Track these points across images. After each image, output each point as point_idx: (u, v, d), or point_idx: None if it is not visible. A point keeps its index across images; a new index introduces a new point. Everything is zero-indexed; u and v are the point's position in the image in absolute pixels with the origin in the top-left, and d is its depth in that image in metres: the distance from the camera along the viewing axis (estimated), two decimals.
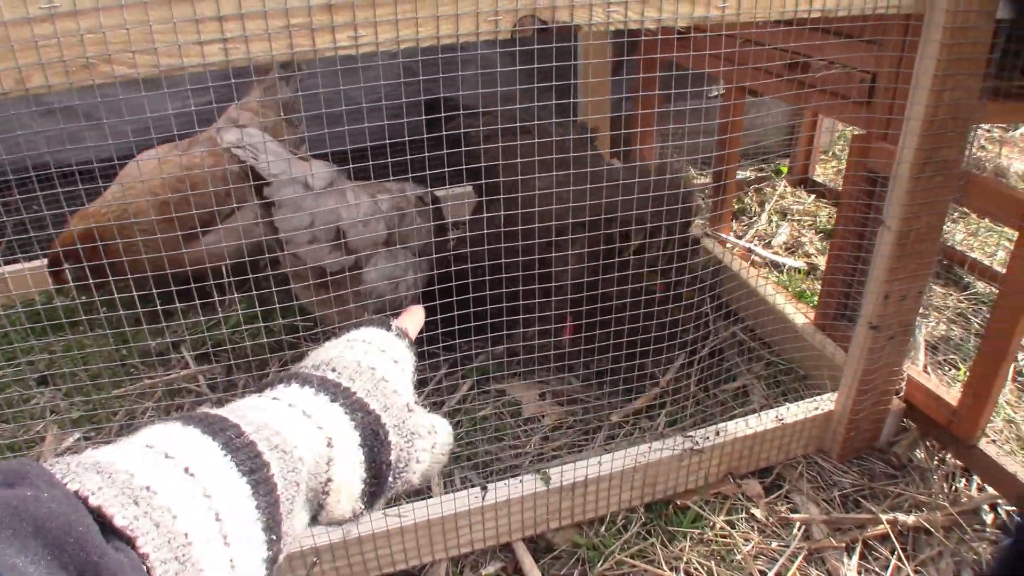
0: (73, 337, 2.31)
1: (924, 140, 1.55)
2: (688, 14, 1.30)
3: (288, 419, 0.62)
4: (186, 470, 0.52)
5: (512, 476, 1.74)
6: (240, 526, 0.53)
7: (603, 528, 1.79)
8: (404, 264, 2.07)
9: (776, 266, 2.82)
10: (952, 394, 1.96)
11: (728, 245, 2.83)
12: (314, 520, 0.66)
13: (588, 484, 1.72)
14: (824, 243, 3.01)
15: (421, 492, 1.84)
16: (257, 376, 2.21)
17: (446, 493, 1.68)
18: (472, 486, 1.73)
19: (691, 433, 1.85)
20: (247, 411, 0.61)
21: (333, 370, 0.70)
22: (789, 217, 3.22)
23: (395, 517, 1.61)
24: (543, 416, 2.08)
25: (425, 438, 0.73)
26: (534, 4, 1.18)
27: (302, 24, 1.08)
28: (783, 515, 1.83)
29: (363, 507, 0.67)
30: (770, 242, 3.01)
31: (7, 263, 2.60)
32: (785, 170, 3.59)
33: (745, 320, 2.46)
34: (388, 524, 1.60)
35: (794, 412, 1.94)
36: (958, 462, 1.99)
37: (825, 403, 1.97)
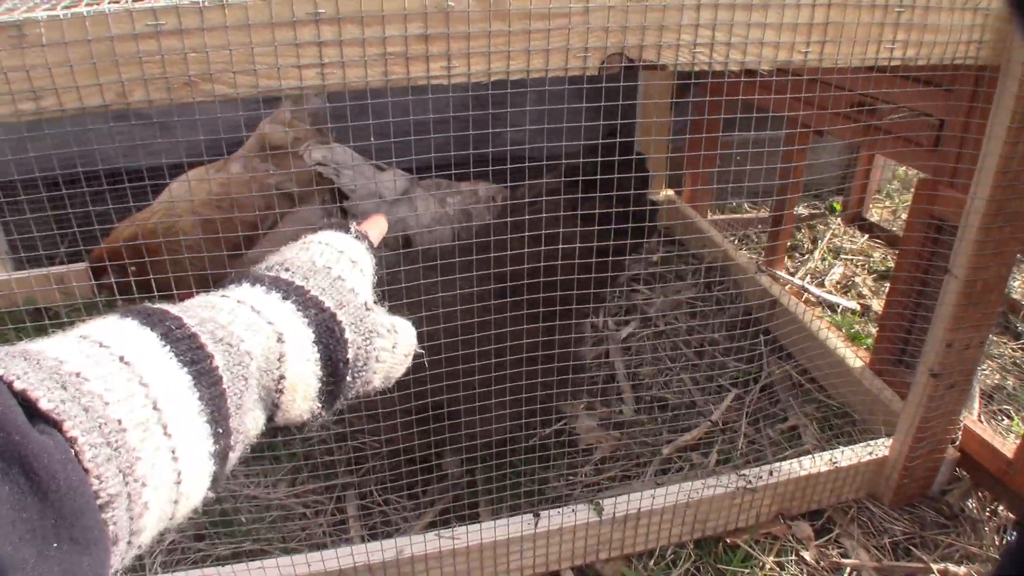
0: None
1: (996, 191, 1.54)
2: (772, 58, 1.31)
3: (236, 314, 0.60)
4: (121, 358, 0.50)
5: (563, 504, 1.74)
6: (181, 416, 0.51)
7: (652, 562, 1.78)
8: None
9: (830, 306, 2.80)
10: (1007, 445, 1.93)
11: (781, 282, 2.81)
12: (271, 420, 0.64)
13: (640, 517, 1.72)
14: (878, 284, 2.99)
15: (473, 516, 1.85)
16: None
17: (497, 519, 1.69)
18: (523, 512, 1.74)
19: (744, 471, 1.84)
20: (192, 307, 0.60)
21: (287, 270, 0.69)
22: (842, 256, 3.20)
23: (448, 539, 1.61)
24: (596, 445, 2.08)
25: (385, 337, 0.72)
26: (623, 43, 1.19)
27: (398, 53, 1.10)
28: (834, 559, 1.81)
29: (320, 407, 0.66)
30: (823, 281, 2.99)
31: (72, 262, 2.67)
32: (839, 208, 3.57)
33: (797, 359, 2.44)
34: (441, 545, 1.61)
35: (848, 456, 1.92)
36: (1011, 515, 1.96)
37: (879, 448, 1.95)
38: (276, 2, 1.04)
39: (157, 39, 1.03)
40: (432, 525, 1.84)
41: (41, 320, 2.58)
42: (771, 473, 1.84)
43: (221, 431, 0.54)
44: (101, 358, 0.49)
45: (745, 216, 3.44)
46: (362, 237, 0.78)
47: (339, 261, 0.72)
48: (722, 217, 3.41)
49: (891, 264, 3.11)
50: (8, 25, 1.01)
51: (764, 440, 2.13)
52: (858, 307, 2.80)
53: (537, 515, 1.68)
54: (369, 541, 1.67)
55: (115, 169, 2.77)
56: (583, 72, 1.19)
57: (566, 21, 1.15)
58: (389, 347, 0.72)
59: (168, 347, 0.53)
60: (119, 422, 0.46)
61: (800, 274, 3.00)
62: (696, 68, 1.27)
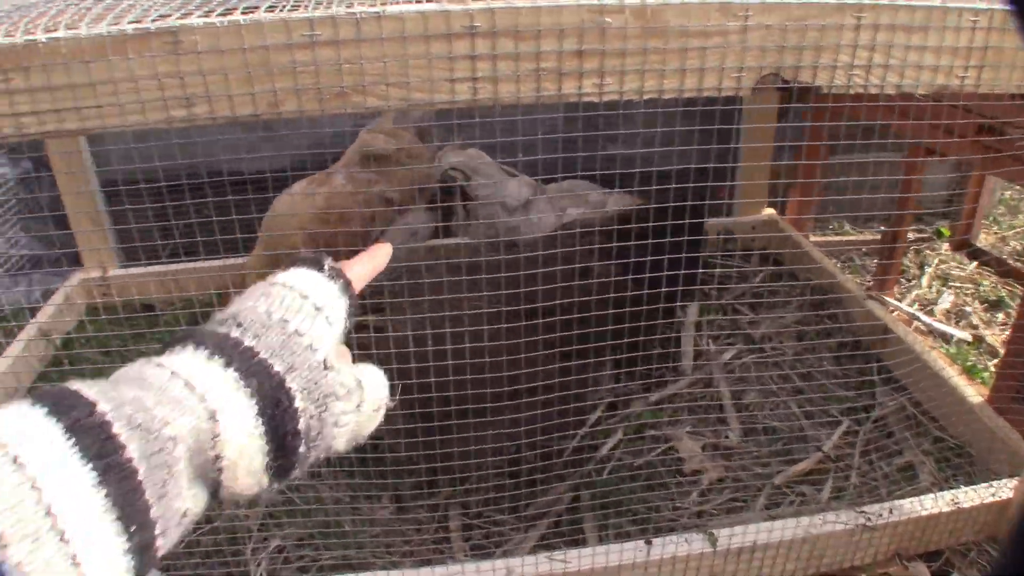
0: None
1: None
2: (929, 81, 1.25)
3: (165, 391, 0.56)
4: (15, 459, 0.46)
5: (673, 532, 1.69)
6: (81, 519, 0.47)
7: None
8: None
9: (942, 336, 2.69)
10: None
11: (890, 309, 2.71)
12: (215, 496, 0.59)
13: (755, 550, 1.66)
14: (990, 315, 2.86)
15: (578, 540, 1.81)
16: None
17: (609, 544, 1.65)
18: (629, 538, 1.70)
19: (863, 508, 1.77)
20: (118, 383, 0.56)
21: (239, 325, 0.63)
22: (951, 284, 3.08)
23: (560, 562, 1.58)
24: (703, 471, 2.02)
25: (347, 398, 0.66)
26: (779, 63, 1.15)
27: (551, 68, 1.07)
28: None
29: (270, 481, 0.61)
30: (932, 309, 2.88)
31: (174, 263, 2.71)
32: (947, 233, 3.44)
33: (911, 390, 2.35)
34: (552, 568, 1.58)
35: (971, 496, 1.83)
36: None
37: (1003, 490, 1.86)
38: (433, 14, 1.02)
39: (312, 49, 1.02)
40: (537, 544, 1.81)
41: (151, 311, 2.64)
42: (891, 511, 1.77)
43: (135, 527, 0.51)
44: None
45: (851, 238, 3.33)
46: (336, 276, 0.72)
47: (300, 310, 0.66)
48: (827, 239, 3.31)
49: (1002, 293, 2.98)
50: (164, 31, 1.01)
51: (878, 475, 2.04)
52: (970, 338, 2.68)
53: (649, 542, 1.64)
54: (473, 559, 1.65)
55: (224, 167, 2.83)
56: (736, 92, 1.15)
57: (723, 40, 1.11)
58: (352, 408, 0.67)
59: (72, 440, 0.49)
60: (1, 536, 0.43)
61: (907, 301, 2.90)
62: (851, 90, 1.22)
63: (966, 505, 1.81)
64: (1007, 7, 1.19)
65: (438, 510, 1.91)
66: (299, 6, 1.07)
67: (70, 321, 2.62)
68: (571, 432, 1.81)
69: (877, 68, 1.21)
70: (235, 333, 0.62)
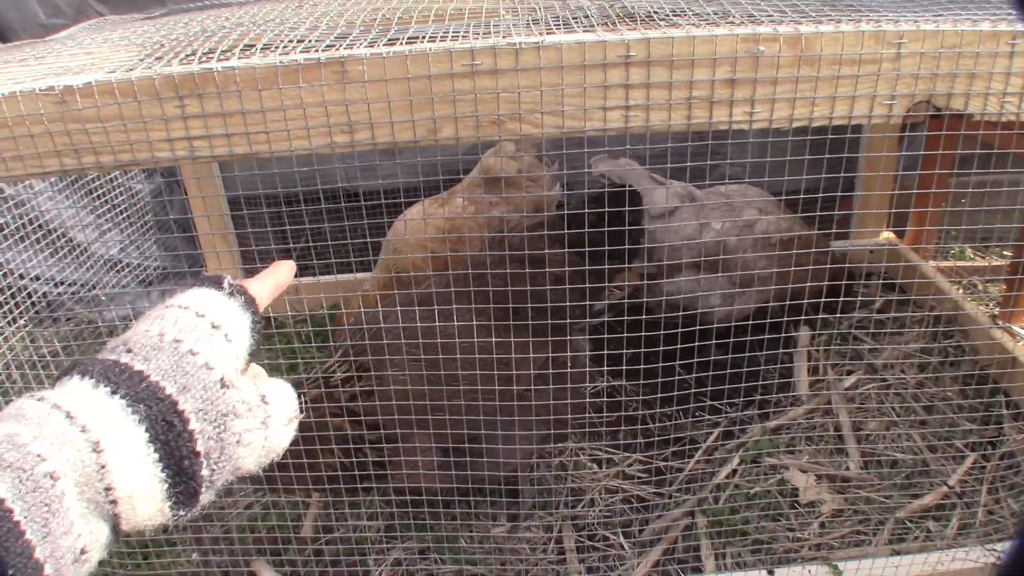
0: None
1: None
2: None
3: (44, 426, 0.55)
4: None
5: (794, 563, 1.67)
6: None
7: None
8: (709, 284, 2.08)
9: None
10: None
11: (1019, 340, 2.62)
12: (116, 529, 0.58)
13: None
14: None
15: (694, 567, 1.80)
16: None
17: (721, 573, 1.63)
18: (747, 568, 1.68)
19: (993, 546, 1.71)
20: None
21: (129, 351, 0.62)
22: None
23: None
24: (821, 501, 1.98)
25: (247, 416, 0.64)
26: (932, 91, 1.13)
27: (703, 97, 1.08)
28: None
29: (173, 509, 0.59)
30: None
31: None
32: None
33: None
34: None
35: None
36: None
37: None
38: (590, 44, 1.04)
39: (472, 78, 1.06)
40: (652, 569, 1.80)
41: (269, 328, 2.73)
42: None
43: (22, 566, 0.50)
44: None
45: (975, 264, 3.23)
46: (237, 293, 0.70)
47: (195, 329, 0.65)
48: (950, 264, 3.21)
49: None
50: (333, 61, 1.06)
51: (1006, 512, 1.97)
52: None
53: (772, 572, 1.62)
54: None
55: (339, 189, 2.91)
56: (887, 120, 1.14)
57: (875, 68, 1.10)
58: (257, 424, 0.65)
59: None
60: None
61: None
62: (1003, 118, 1.20)
63: None
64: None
65: (552, 530, 1.92)
66: (458, 35, 1.10)
67: None
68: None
69: None
70: (124, 359, 0.62)
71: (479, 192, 2.48)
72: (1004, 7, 1.24)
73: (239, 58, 1.09)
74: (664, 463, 2.08)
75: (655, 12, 1.20)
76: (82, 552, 0.55)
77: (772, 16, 1.15)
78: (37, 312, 2.48)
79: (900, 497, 2.00)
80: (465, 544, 1.88)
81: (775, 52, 1.07)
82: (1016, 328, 2.63)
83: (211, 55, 1.12)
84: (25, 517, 0.51)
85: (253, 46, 1.15)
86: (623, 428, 2.15)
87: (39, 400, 0.58)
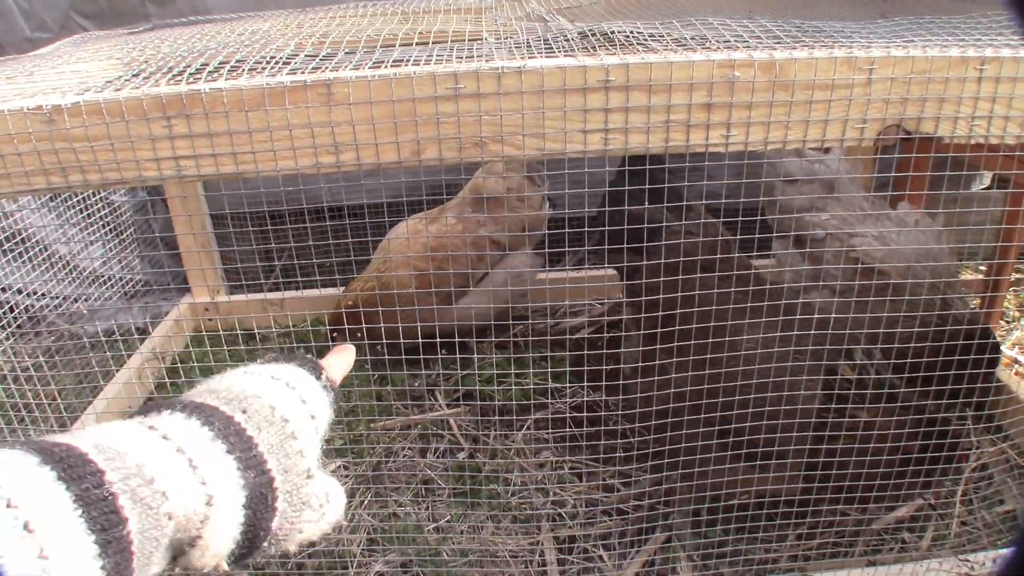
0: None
1: None
2: None
3: (168, 468, 0.58)
4: (26, 525, 0.48)
5: (770, 574, 1.69)
6: None
7: None
8: None
9: None
10: None
11: None
12: (172, 560, 0.62)
13: None
14: None
15: (671, 572, 1.82)
16: (503, 424, 2.27)
17: None
18: None
19: (966, 557, 1.74)
20: (125, 445, 0.58)
21: (243, 411, 0.66)
22: None
23: None
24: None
25: (316, 509, 0.69)
26: (902, 114, 1.17)
27: (680, 121, 1.11)
28: None
29: (227, 566, 0.64)
30: None
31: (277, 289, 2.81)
32: None
33: (1013, 437, 2.30)
34: None
35: None
36: None
37: None
38: (571, 69, 1.07)
39: (456, 101, 1.08)
40: None
41: (253, 344, 2.74)
42: (994, 560, 1.74)
43: None
44: (4, 522, 0.48)
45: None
46: (329, 387, 0.75)
47: (298, 413, 0.69)
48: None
49: None
50: (319, 83, 1.08)
51: (979, 523, 2.01)
52: None
53: None
54: None
55: (324, 204, 2.92)
56: (859, 143, 1.17)
57: (848, 92, 1.14)
58: (316, 518, 0.70)
59: (81, 510, 0.51)
60: None
61: (1008, 344, 2.84)
62: (972, 140, 1.23)
63: None
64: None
65: (535, 544, 1.94)
66: (442, 59, 1.13)
67: (179, 344, 2.73)
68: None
69: (998, 119, 1.21)
70: (239, 418, 0.65)
71: (468, 209, 2.51)
72: (973, 33, 1.28)
73: (226, 79, 1.11)
74: (644, 476, 2.11)
75: (633, 36, 1.23)
76: None
77: (747, 42, 1.18)
78: (19, 326, 2.48)
79: (875, 510, 2.03)
80: (447, 557, 1.89)
81: (750, 77, 1.10)
82: None
83: (199, 75, 1.13)
84: (139, 550, 0.55)
85: (240, 66, 1.17)
86: (603, 442, 2.17)
87: (163, 438, 0.61)
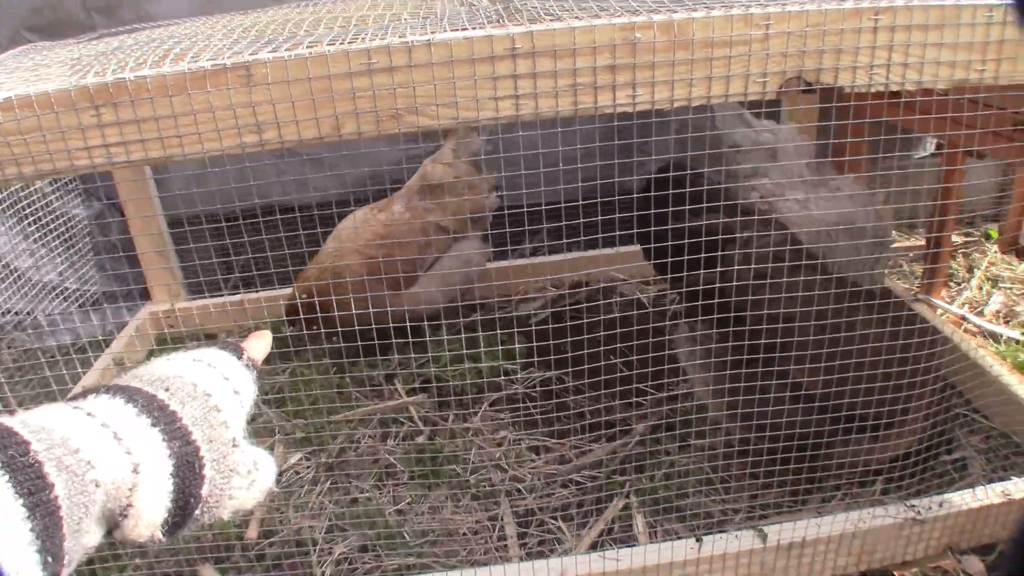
0: (297, 364, 2.50)
1: None
2: (948, 77, 1.31)
3: (94, 439, 0.61)
4: None
5: (721, 530, 1.74)
6: (10, 550, 0.52)
7: None
8: None
9: (992, 336, 2.70)
10: None
11: (939, 312, 2.73)
12: (108, 534, 0.65)
13: (805, 545, 1.70)
14: None
15: (629, 539, 1.86)
16: (460, 407, 2.32)
17: (653, 543, 1.70)
18: (678, 537, 1.75)
19: (913, 502, 1.80)
20: (51, 422, 0.61)
21: (167, 389, 0.69)
22: (1001, 285, 3.08)
23: (612, 560, 1.64)
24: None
25: (244, 476, 0.72)
26: (801, 67, 1.22)
27: (587, 83, 1.16)
28: None
29: (162, 535, 0.67)
30: (982, 310, 2.89)
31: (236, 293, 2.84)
32: (995, 235, 3.44)
33: (960, 389, 2.36)
34: (605, 566, 1.64)
35: (1021, 487, 1.85)
36: None
37: None
38: (478, 39, 1.12)
39: (370, 76, 1.13)
40: (592, 547, 1.87)
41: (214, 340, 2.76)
42: (941, 505, 1.80)
43: (51, 559, 0.56)
44: None
45: (898, 244, 3.35)
46: (252, 366, 0.79)
47: (221, 389, 0.73)
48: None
49: None
50: (238, 66, 1.12)
51: (929, 473, 2.06)
52: (1021, 336, 2.69)
53: (699, 540, 1.69)
54: (528, 559, 1.72)
55: (275, 203, 2.95)
56: (762, 97, 1.23)
57: (746, 48, 1.19)
58: (246, 485, 0.73)
59: (7, 476, 0.54)
60: None
61: (958, 303, 2.91)
62: (873, 89, 1.29)
63: (1017, 496, 1.83)
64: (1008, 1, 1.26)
65: (496, 519, 1.98)
66: (357, 38, 1.17)
67: (141, 351, 2.75)
68: None
69: (897, 67, 1.27)
70: (162, 395, 0.69)
71: (415, 198, 2.55)
72: None
73: (151, 67, 1.15)
74: (599, 446, 2.15)
75: (543, 9, 1.28)
76: (86, 549, 0.62)
77: (651, 7, 1.23)
78: None
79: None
80: (408, 538, 1.92)
81: (651, 38, 1.15)
82: (935, 300, 2.75)
83: (124, 67, 1.17)
84: (67, 515, 0.57)
85: (167, 56, 1.21)
86: (557, 415, 2.22)
87: (88, 415, 0.64)
